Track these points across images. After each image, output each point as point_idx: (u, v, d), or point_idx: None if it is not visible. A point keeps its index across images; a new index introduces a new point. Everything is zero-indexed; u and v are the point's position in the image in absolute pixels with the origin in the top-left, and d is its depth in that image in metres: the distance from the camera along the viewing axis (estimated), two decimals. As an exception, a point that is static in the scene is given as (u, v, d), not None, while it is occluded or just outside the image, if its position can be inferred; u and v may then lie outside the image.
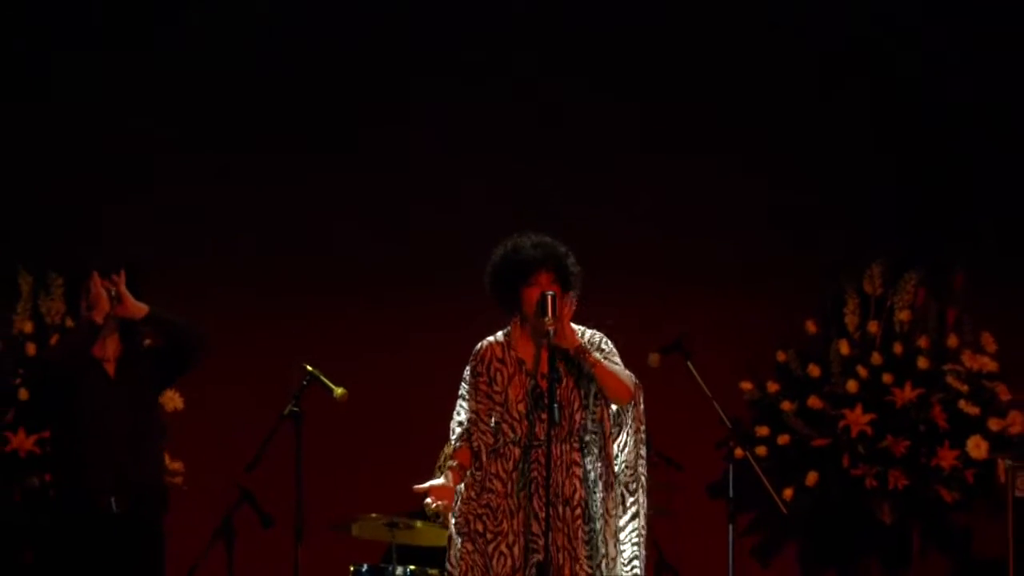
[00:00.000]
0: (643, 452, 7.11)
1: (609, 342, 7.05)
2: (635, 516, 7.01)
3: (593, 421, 6.98)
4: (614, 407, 7.04)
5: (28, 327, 9.62)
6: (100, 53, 10.55)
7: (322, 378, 8.40)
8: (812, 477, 9.58)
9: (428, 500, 7.15)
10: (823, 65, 10.27)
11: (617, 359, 7.04)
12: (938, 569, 9.95)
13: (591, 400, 6.99)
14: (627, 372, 6.95)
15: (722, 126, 10.17)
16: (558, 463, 6.92)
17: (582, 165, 10.24)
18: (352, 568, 8.48)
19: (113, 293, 8.07)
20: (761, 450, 9.50)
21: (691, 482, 9.34)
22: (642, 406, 7.14)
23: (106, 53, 10.54)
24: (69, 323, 9.54)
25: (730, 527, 8.68)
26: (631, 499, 7.02)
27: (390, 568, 8.44)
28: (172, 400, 9.30)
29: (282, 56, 10.61)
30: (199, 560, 8.73)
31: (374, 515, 8.50)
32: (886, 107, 10.15)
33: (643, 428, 7.09)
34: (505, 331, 7.03)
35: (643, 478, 7.07)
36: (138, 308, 8.05)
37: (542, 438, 6.84)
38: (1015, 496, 9.12)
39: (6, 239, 9.82)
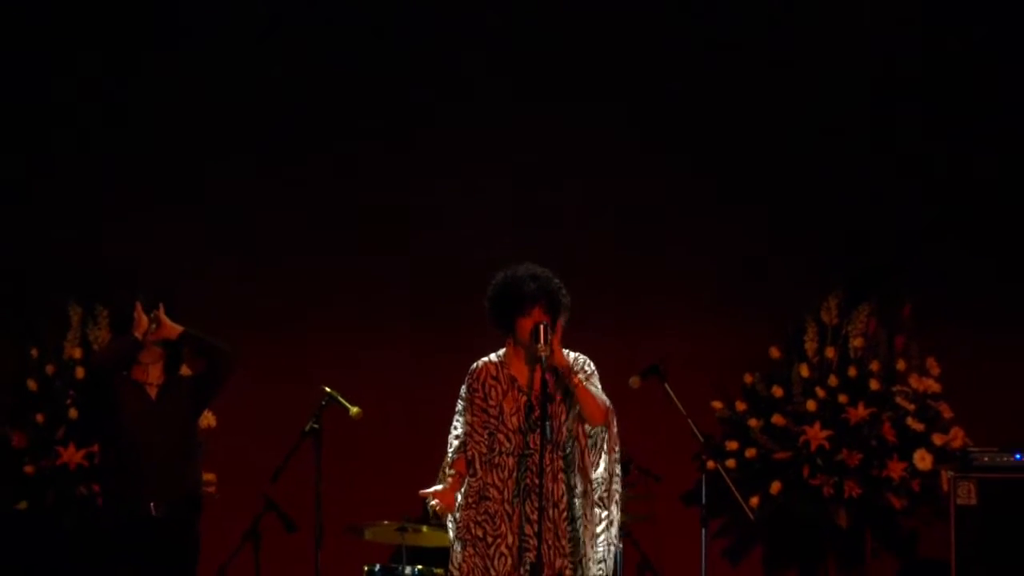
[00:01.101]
0: (617, 471, 7.23)
1: (591, 364, 7.13)
2: (608, 527, 7.12)
3: (571, 435, 7.09)
4: (588, 427, 7.15)
5: (77, 353, 9.79)
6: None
7: (340, 399, 8.54)
8: (776, 486, 9.71)
9: (432, 501, 7.14)
10: (789, 110, 10.21)
11: (596, 381, 7.14)
12: (888, 569, 10.04)
13: (571, 416, 7.10)
14: (603, 396, 7.04)
15: (697, 171, 10.17)
16: (548, 470, 7.02)
17: (576, 198, 10.18)
18: (366, 568, 8.66)
19: (152, 316, 8.21)
20: (730, 462, 9.64)
21: (668, 491, 9.42)
22: (615, 429, 7.24)
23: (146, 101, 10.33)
24: None
25: (703, 531, 8.63)
26: (604, 512, 7.13)
27: (400, 568, 8.61)
28: (206, 418, 9.37)
29: (298, 89, 10.36)
30: (229, 560, 8.93)
31: (386, 521, 8.72)
32: (842, 157, 10.18)
33: (617, 449, 7.19)
34: (500, 352, 7.12)
35: (617, 495, 7.17)
36: (173, 328, 8.22)
37: (534, 447, 6.99)
38: (957, 503, 9.25)
39: (58, 275, 9.94)
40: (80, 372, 9.73)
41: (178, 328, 8.27)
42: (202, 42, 10.54)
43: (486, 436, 7.08)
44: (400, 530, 8.61)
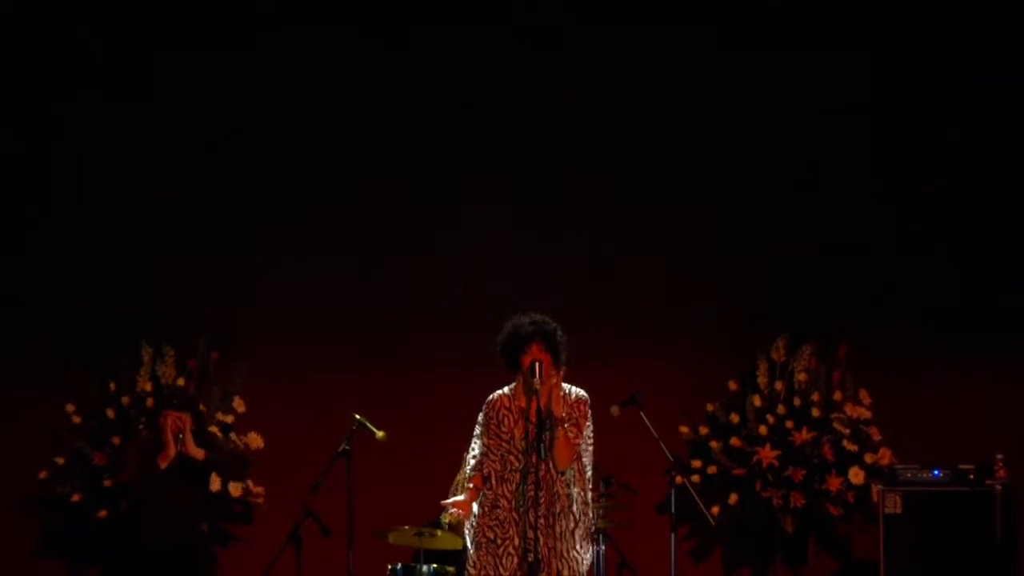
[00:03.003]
0: (588, 499, 7.23)
1: (586, 402, 7.18)
2: (584, 538, 7.22)
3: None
4: (585, 459, 7.22)
5: (148, 386, 10.03)
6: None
7: (368, 424, 8.76)
8: (733, 497, 9.90)
9: (447, 513, 7.31)
10: (753, 193, 10.25)
11: (586, 421, 7.19)
12: (827, 568, 10.13)
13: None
14: (574, 449, 7.11)
15: (674, 245, 10.24)
16: (551, 485, 7.14)
17: (578, 260, 10.25)
18: (389, 567, 8.82)
19: (179, 437, 8.54)
20: (695, 477, 9.81)
21: (643, 502, 9.48)
22: (588, 473, 7.25)
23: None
24: (180, 382, 9.87)
25: (672, 535, 8.76)
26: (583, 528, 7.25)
27: (418, 566, 8.75)
28: (255, 440, 9.70)
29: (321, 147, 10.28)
30: (275, 560, 9.03)
31: (406, 527, 8.83)
32: (789, 231, 10.22)
33: (587, 488, 7.24)
34: (511, 385, 7.21)
35: (587, 519, 7.23)
36: (197, 452, 8.59)
37: (533, 465, 7.06)
38: (885, 512, 9.37)
39: (132, 321, 10.08)
40: (150, 402, 9.86)
41: (201, 453, 8.60)
42: (240, 123, 10.32)
43: (499, 456, 7.19)
44: (418, 535, 8.74)
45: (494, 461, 7.23)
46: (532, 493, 7.12)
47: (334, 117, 10.32)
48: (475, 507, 7.25)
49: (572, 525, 7.17)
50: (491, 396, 7.29)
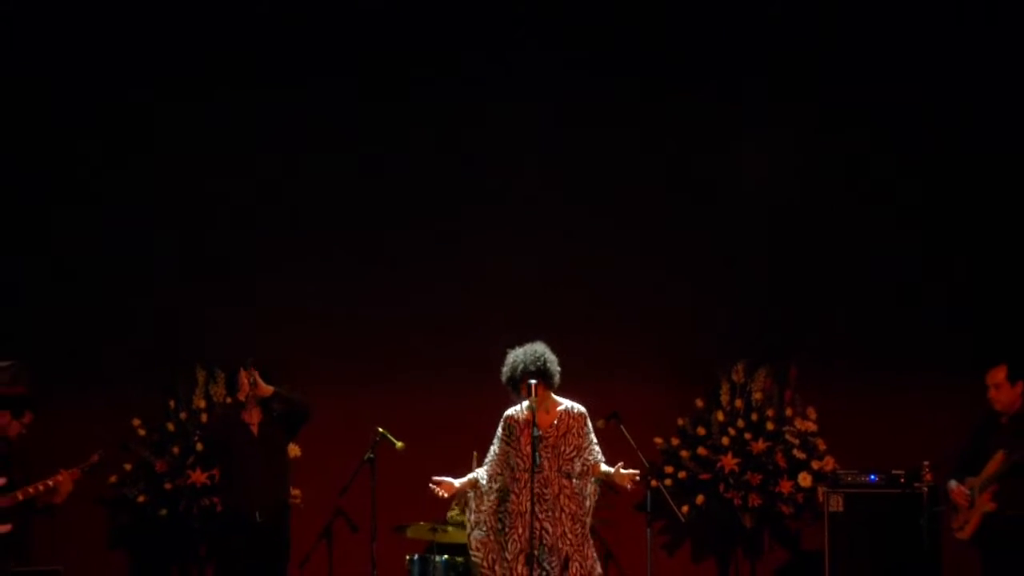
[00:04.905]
0: (588, 492, 7.50)
1: (584, 415, 7.51)
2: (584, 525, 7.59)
3: (578, 458, 7.52)
4: (591, 457, 7.47)
5: (202, 404, 10.15)
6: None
7: (389, 436, 8.77)
8: (700, 498, 10.05)
9: (451, 511, 7.72)
10: (717, 242, 10.31)
11: (585, 429, 7.47)
12: (780, 558, 10.25)
13: (568, 451, 7.58)
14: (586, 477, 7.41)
15: (657, 283, 10.25)
16: (556, 484, 7.42)
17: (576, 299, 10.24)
18: (407, 557, 8.92)
19: (251, 380, 8.56)
20: (668, 481, 9.94)
21: (625, 502, 9.48)
22: (600, 457, 7.55)
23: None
24: (229, 400, 9.51)
25: (648, 531, 8.66)
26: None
27: (432, 557, 8.83)
28: (293, 450, 9.54)
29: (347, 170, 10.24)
30: (310, 552, 9.05)
31: (422, 523, 9.02)
32: (745, 272, 10.29)
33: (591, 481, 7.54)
34: (525, 403, 7.50)
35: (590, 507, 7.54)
36: (266, 389, 8.55)
37: (540, 465, 7.42)
38: (829, 511, 9.47)
39: (189, 346, 10.18)
40: (204, 418, 9.98)
41: (270, 389, 8.55)
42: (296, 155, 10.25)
43: (507, 460, 7.54)
44: (432, 530, 8.89)
45: (506, 464, 7.50)
46: (539, 490, 7.39)
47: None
48: (456, 483, 7.51)
49: (578, 513, 7.44)
50: (508, 412, 7.60)
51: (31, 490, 8.37)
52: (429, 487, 7.48)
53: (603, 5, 10.17)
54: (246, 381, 8.48)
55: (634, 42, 10.17)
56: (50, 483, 8.36)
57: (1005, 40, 10.03)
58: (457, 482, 7.60)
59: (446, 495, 7.56)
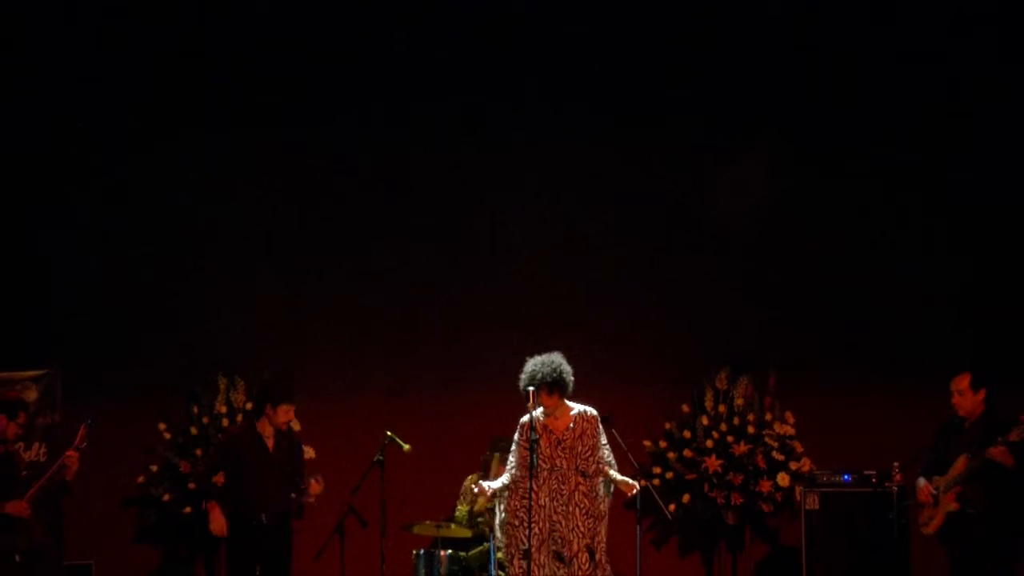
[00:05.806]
0: (601, 489, 7.89)
1: (596, 417, 7.82)
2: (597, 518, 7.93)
3: (584, 461, 7.86)
4: (601, 458, 7.82)
5: (223, 409, 10.21)
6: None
7: (397, 439, 8.81)
8: (686, 497, 10.11)
9: (478, 492, 7.86)
10: (704, 263, 10.39)
11: (596, 430, 7.77)
12: (760, 552, 10.28)
13: (584, 451, 7.93)
14: (597, 476, 7.73)
15: (648, 301, 10.34)
16: (572, 482, 7.75)
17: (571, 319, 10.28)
18: (414, 552, 9.11)
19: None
20: (656, 481, 10.01)
21: (616, 500, 8.89)
22: (610, 458, 7.88)
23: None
24: (249, 406, 9.82)
25: (638, 527, 8.58)
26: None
27: (437, 551, 9.01)
28: (308, 452, 9.56)
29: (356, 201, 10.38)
30: (324, 547, 9.01)
31: (428, 521, 9.25)
32: (727, 286, 10.33)
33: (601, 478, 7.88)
34: (539, 410, 7.81)
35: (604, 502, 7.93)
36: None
37: (557, 465, 7.73)
38: (806, 508, 9.58)
39: (210, 358, 10.28)
40: (225, 422, 10.07)
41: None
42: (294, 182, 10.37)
43: (527, 460, 7.86)
44: (437, 527, 9.08)
45: (523, 465, 7.85)
46: (557, 486, 7.73)
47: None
48: (489, 488, 7.87)
49: (591, 509, 7.76)
50: (523, 418, 7.90)
51: (43, 482, 8.34)
52: (454, 508, 8.18)
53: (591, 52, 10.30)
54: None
55: (616, 81, 10.37)
56: (55, 468, 8.33)
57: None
58: (493, 484, 7.99)
59: (487, 497, 8.03)
